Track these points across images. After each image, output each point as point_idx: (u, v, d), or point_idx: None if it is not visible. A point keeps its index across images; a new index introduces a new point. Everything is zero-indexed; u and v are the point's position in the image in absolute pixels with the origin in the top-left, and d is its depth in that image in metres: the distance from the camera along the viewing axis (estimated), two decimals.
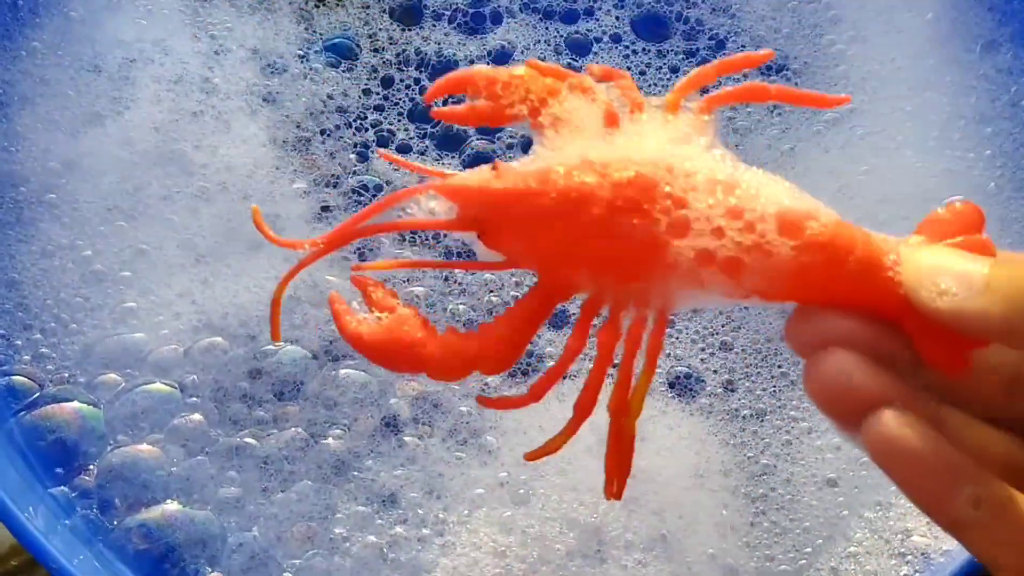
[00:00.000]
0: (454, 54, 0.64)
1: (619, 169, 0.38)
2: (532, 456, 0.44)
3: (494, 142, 0.62)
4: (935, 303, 0.34)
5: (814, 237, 0.36)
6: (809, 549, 0.54)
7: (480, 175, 0.39)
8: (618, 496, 0.42)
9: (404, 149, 0.62)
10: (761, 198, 0.37)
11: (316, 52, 0.64)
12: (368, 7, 0.65)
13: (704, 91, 0.41)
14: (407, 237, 0.60)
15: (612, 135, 0.40)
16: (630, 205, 0.37)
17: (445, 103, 0.43)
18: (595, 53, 0.65)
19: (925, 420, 0.33)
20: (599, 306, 0.41)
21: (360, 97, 0.63)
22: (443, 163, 0.62)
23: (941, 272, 0.34)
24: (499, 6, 0.66)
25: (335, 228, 0.42)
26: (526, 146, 0.62)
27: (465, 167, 0.62)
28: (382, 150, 0.58)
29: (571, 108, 0.40)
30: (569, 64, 0.64)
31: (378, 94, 0.63)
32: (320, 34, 0.64)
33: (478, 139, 0.62)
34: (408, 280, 0.59)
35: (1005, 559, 0.34)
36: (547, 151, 0.40)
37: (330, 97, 0.63)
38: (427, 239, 0.60)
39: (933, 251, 0.35)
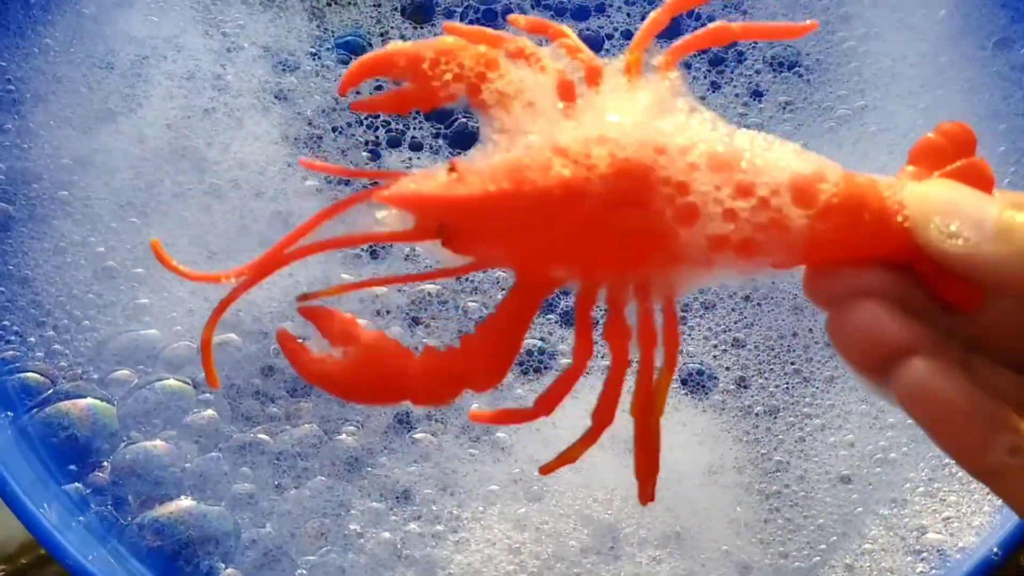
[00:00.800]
0: None
1: (603, 157, 0.34)
2: (547, 469, 0.40)
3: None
4: (944, 245, 0.33)
5: (829, 201, 0.34)
6: (823, 546, 0.54)
7: (437, 180, 0.35)
8: (651, 498, 0.39)
9: (416, 147, 0.62)
10: (770, 167, 0.34)
11: (328, 50, 0.64)
12: (380, 5, 0.65)
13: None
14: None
15: (573, 110, 0.36)
16: (625, 198, 0.34)
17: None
18: (607, 50, 0.65)
19: (957, 367, 0.32)
20: (593, 297, 0.37)
21: (372, 94, 0.63)
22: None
23: (950, 212, 0.33)
24: (511, 3, 0.66)
25: (261, 255, 0.37)
26: None
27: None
28: (304, 159, 0.48)
29: (516, 81, 0.36)
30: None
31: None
32: (332, 31, 0.64)
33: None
34: None
35: None
36: (501, 137, 0.36)
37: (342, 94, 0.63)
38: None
39: (938, 186, 0.34)
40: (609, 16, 0.66)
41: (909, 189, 0.34)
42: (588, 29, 0.65)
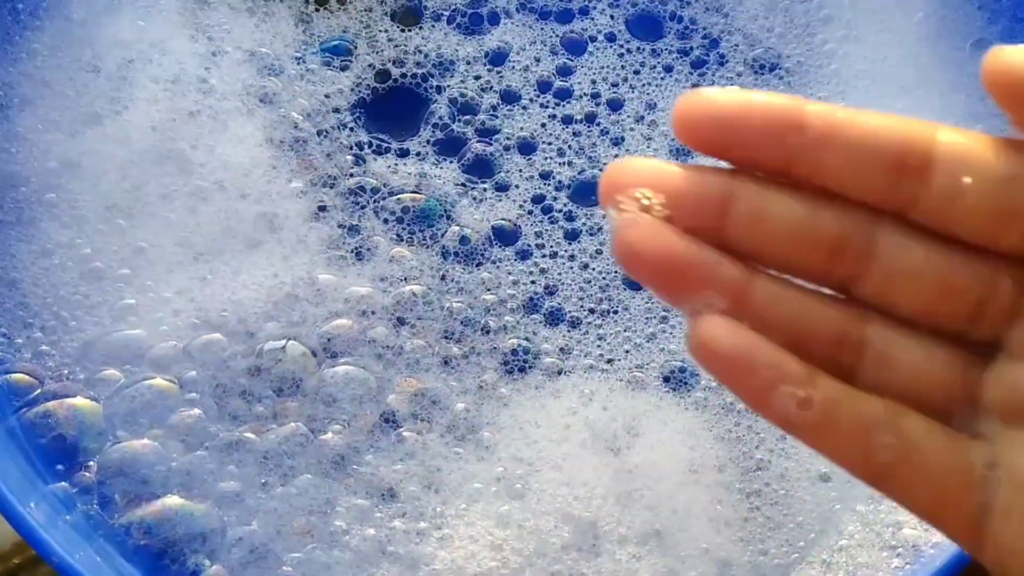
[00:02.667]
0: (454, 53, 0.65)
1: None
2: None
3: (491, 144, 0.63)
4: None
5: None
6: (802, 543, 0.55)
7: None
8: None
9: (403, 153, 0.62)
10: None
11: (313, 53, 0.64)
12: (370, 9, 0.66)
13: None
14: (404, 237, 0.60)
15: None
16: None
17: None
18: (590, 52, 0.65)
19: (740, 322, 0.32)
20: None
21: (357, 97, 0.64)
22: (441, 167, 0.62)
23: None
24: (496, 7, 0.66)
25: None
26: (523, 147, 0.62)
27: (464, 171, 0.62)
28: None
29: None
30: (564, 64, 0.65)
31: (376, 95, 0.64)
32: (318, 35, 0.65)
33: (477, 142, 0.63)
34: (405, 279, 0.59)
35: (842, 460, 0.33)
36: None
37: (327, 96, 0.63)
38: (424, 239, 0.60)
39: None
40: (593, 19, 0.66)
41: None
42: (572, 32, 0.66)
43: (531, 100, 0.64)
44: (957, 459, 0.32)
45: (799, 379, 0.32)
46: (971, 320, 0.33)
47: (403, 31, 0.65)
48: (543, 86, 0.64)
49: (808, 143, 0.32)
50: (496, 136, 0.63)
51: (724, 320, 0.32)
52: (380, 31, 0.65)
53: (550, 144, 0.63)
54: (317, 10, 0.66)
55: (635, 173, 0.33)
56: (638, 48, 0.65)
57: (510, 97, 0.64)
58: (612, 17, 0.66)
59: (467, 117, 0.63)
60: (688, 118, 0.32)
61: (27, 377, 0.57)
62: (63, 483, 0.56)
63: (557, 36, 0.66)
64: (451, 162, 0.62)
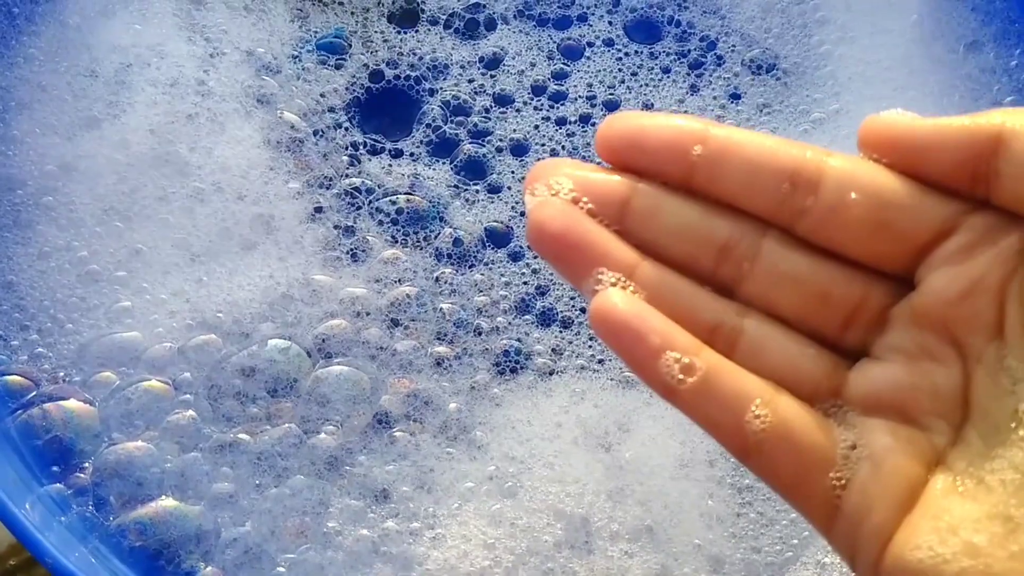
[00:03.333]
0: (448, 57, 0.65)
1: None
2: None
3: (483, 145, 0.63)
4: None
5: None
6: (796, 541, 0.55)
7: None
8: None
9: (396, 154, 0.63)
10: None
11: (309, 52, 0.65)
12: (368, 10, 0.66)
13: None
14: (398, 238, 0.60)
15: None
16: None
17: None
18: (588, 57, 0.65)
19: (633, 290, 0.35)
20: None
21: (351, 97, 0.64)
22: (434, 168, 0.62)
23: None
24: (494, 12, 0.66)
25: None
26: (515, 149, 0.63)
27: (457, 172, 0.62)
28: None
29: None
30: (560, 69, 0.65)
31: (371, 95, 0.64)
32: (315, 31, 0.65)
33: (469, 143, 0.63)
34: (399, 280, 0.60)
35: (715, 430, 0.35)
36: None
37: (323, 96, 0.64)
38: (418, 241, 0.61)
39: None
40: (591, 25, 0.66)
41: None
42: (570, 39, 0.66)
43: (525, 103, 0.64)
44: (822, 438, 0.35)
45: (685, 347, 0.34)
46: (843, 327, 0.36)
47: (399, 32, 0.66)
48: (537, 89, 0.64)
49: (708, 157, 0.35)
50: (488, 138, 0.63)
51: (619, 291, 0.35)
52: (376, 32, 0.66)
53: (543, 145, 0.63)
54: (315, 4, 0.66)
55: (555, 167, 0.37)
56: (636, 51, 0.65)
57: (504, 100, 0.64)
58: (610, 23, 0.66)
59: (460, 119, 0.64)
60: (605, 137, 0.36)
61: (23, 379, 0.57)
62: (58, 485, 0.56)
63: (555, 43, 0.66)
64: (444, 163, 0.63)
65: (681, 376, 0.34)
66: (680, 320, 0.35)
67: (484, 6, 0.66)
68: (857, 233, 0.35)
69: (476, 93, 0.64)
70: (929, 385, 0.34)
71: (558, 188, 0.36)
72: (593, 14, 0.67)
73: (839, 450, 0.35)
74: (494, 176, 0.62)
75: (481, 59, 0.65)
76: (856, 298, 0.36)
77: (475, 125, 0.63)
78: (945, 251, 0.34)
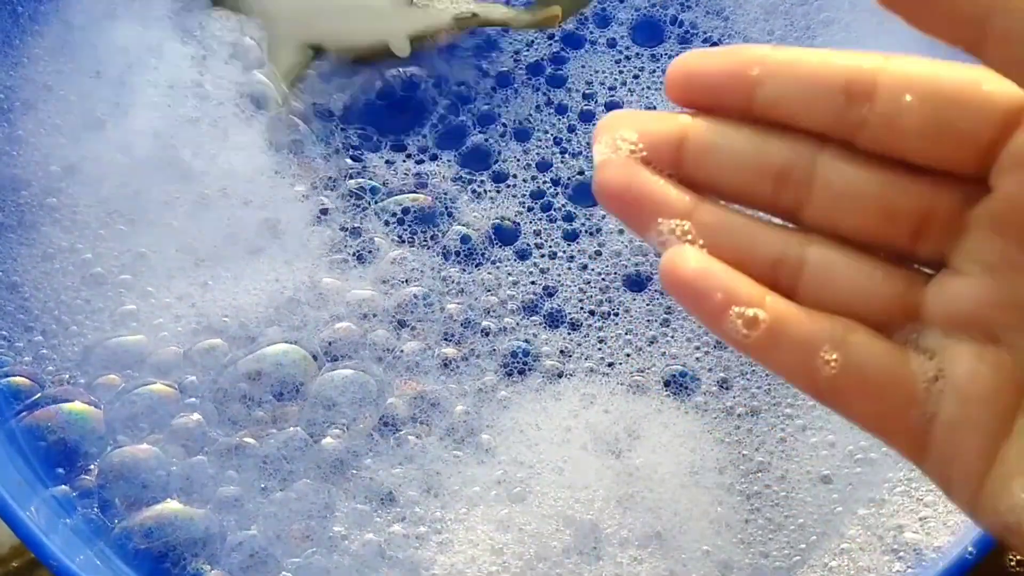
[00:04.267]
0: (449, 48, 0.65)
1: None
2: None
3: (485, 131, 0.63)
4: None
5: None
6: (803, 545, 0.55)
7: None
8: None
9: (399, 148, 0.62)
10: None
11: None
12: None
13: None
14: (405, 239, 0.60)
15: None
16: None
17: None
18: (587, 52, 0.65)
19: (691, 236, 0.35)
20: None
21: (354, 97, 0.64)
22: (439, 161, 0.62)
23: None
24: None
25: None
26: (519, 134, 0.62)
27: (463, 164, 0.62)
28: None
29: None
30: (560, 52, 0.65)
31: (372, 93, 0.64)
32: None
33: (476, 132, 0.63)
34: (407, 281, 0.59)
35: (789, 376, 0.35)
36: None
37: (324, 96, 0.63)
38: (425, 240, 0.60)
39: None
40: (591, 28, 0.66)
41: None
42: (572, 34, 0.66)
43: (524, 97, 0.64)
44: (900, 372, 0.34)
45: (748, 298, 0.34)
46: (914, 238, 0.35)
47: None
48: (536, 95, 0.64)
49: (765, 77, 0.34)
50: (491, 125, 0.63)
51: (686, 248, 0.35)
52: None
53: (546, 132, 0.63)
54: None
55: (617, 120, 0.36)
56: (637, 54, 0.65)
57: (504, 81, 0.64)
58: (618, 23, 0.66)
59: (466, 107, 0.64)
60: (673, 76, 0.36)
61: (27, 381, 0.57)
62: (63, 487, 0.56)
63: (555, 44, 0.66)
64: (450, 153, 0.62)
65: (746, 331, 0.34)
66: (741, 260, 0.35)
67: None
68: (917, 138, 0.33)
69: (479, 79, 0.64)
70: (1016, 299, 0.32)
71: (623, 143, 0.36)
72: (590, 20, 0.66)
73: (921, 383, 0.33)
74: (499, 164, 0.62)
75: (479, 47, 0.65)
76: (925, 206, 0.34)
77: (479, 110, 0.63)
78: (1014, 148, 0.32)
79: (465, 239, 0.60)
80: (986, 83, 0.32)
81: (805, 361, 0.34)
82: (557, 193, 0.62)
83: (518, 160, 0.62)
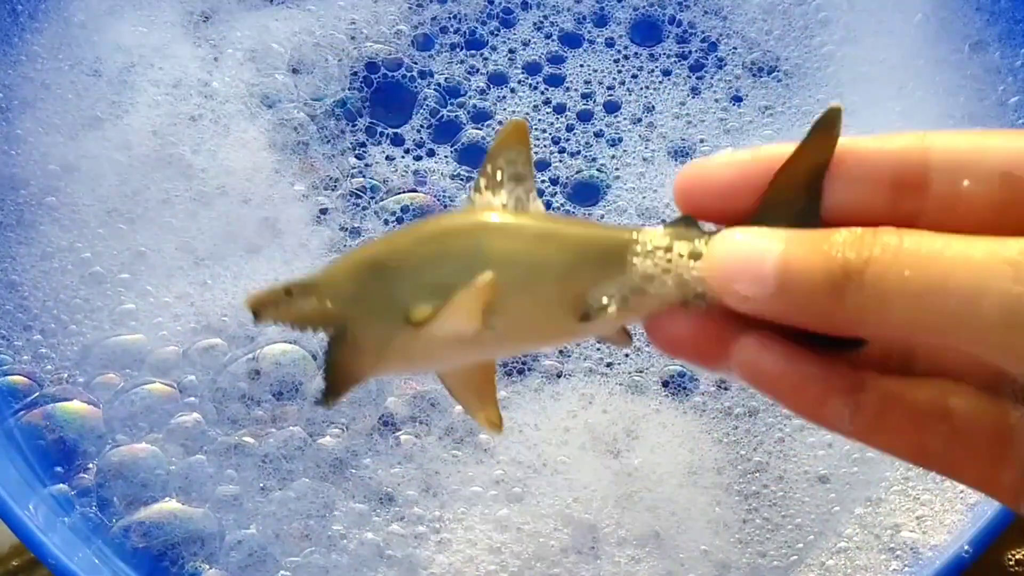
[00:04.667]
0: (448, 43, 0.65)
1: None
2: None
3: (482, 128, 0.63)
4: (740, 309, 0.32)
5: None
6: (801, 545, 0.55)
7: None
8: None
9: (397, 141, 0.62)
10: None
11: (311, 50, 0.65)
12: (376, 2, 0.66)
13: None
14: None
15: None
16: None
17: None
18: (586, 52, 0.65)
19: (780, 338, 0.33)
20: None
21: (356, 95, 0.64)
22: (435, 159, 0.62)
23: (733, 272, 0.32)
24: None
25: None
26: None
27: (460, 161, 0.62)
28: None
29: None
30: (557, 53, 0.65)
31: (372, 92, 0.64)
32: (311, 27, 0.65)
33: (472, 127, 0.63)
34: None
35: (897, 452, 0.33)
36: None
37: (326, 93, 0.63)
38: None
39: (719, 244, 0.33)
40: (590, 26, 0.66)
41: (705, 252, 0.34)
42: (573, 32, 0.66)
43: (522, 96, 0.64)
44: (1000, 428, 0.33)
45: (848, 387, 0.32)
46: None
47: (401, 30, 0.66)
48: (535, 94, 0.64)
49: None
50: (488, 121, 0.63)
51: (765, 339, 0.33)
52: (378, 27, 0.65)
53: (544, 132, 0.63)
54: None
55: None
56: (635, 53, 0.65)
57: (498, 80, 0.64)
58: (618, 24, 0.66)
59: (458, 100, 0.63)
60: (684, 191, 0.35)
61: (26, 379, 0.57)
62: (62, 485, 0.56)
63: (554, 44, 0.66)
64: (445, 148, 0.62)
65: (851, 417, 0.32)
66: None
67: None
68: (979, 216, 0.32)
69: (470, 74, 0.64)
70: None
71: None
72: (589, 21, 0.66)
73: (1020, 439, 0.33)
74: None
75: (487, 75, 0.65)
76: None
77: (474, 106, 0.63)
78: None
79: None
80: None
81: (913, 437, 0.33)
82: (556, 192, 0.62)
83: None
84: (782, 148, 0.34)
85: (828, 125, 0.34)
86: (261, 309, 0.34)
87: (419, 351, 0.34)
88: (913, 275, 0.30)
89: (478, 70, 0.64)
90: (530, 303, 0.34)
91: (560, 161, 0.62)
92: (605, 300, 0.34)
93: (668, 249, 0.34)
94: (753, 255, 0.32)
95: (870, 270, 0.30)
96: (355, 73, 0.64)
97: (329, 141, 0.62)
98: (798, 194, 0.34)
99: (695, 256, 0.33)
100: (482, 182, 0.35)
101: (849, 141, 0.34)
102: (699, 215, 0.35)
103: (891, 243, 0.30)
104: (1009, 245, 0.29)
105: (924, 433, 0.33)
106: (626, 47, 0.65)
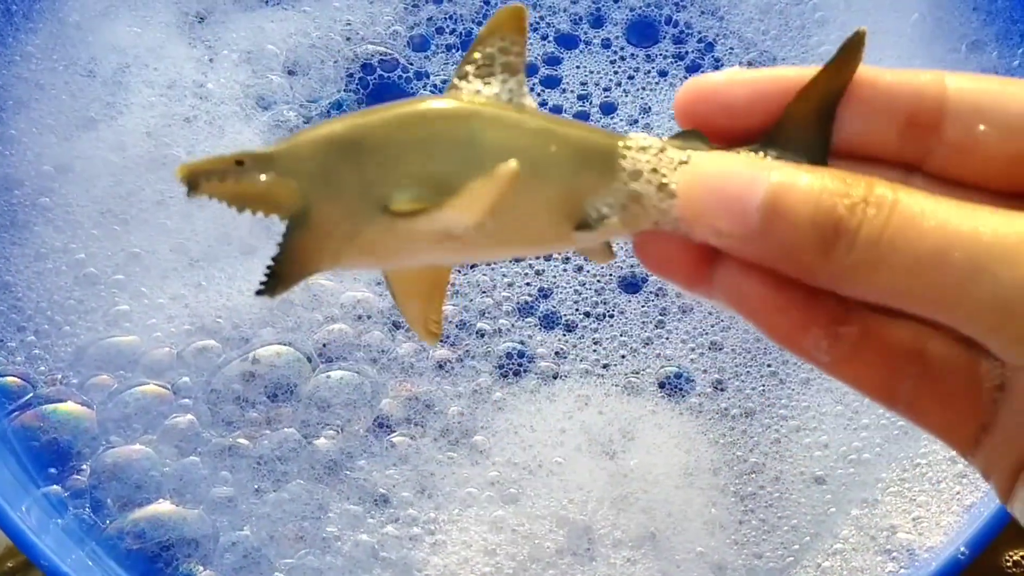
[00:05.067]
0: (445, 44, 0.65)
1: None
2: None
3: None
4: (714, 243, 0.31)
5: None
6: (797, 546, 0.54)
7: None
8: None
9: None
10: None
11: (309, 50, 0.64)
12: (372, 2, 0.66)
13: None
14: None
15: None
16: None
17: None
18: (582, 53, 0.65)
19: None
20: None
21: (352, 97, 0.64)
22: None
23: (713, 205, 0.30)
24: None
25: None
26: None
27: None
28: None
29: None
30: (553, 55, 0.64)
31: (368, 93, 0.64)
32: (309, 28, 0.65)
33: None
34: None
35: (867, 389, 0.33)
36: None
37: (322, 95, 0.63)
38: None
39: (704, 166, 0.31)
40: (587, 27, 0.66)
41: (680, 172, 0.32)
42: (570, 33, 0.66)
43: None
44: (971, 379, 0.32)
45: (830, 318, 0.32)
46: None
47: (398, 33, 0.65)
48: (531, 95, 0.64)
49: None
50: None
51: (747, 265, 0.31)
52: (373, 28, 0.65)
53: None
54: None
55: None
56: (632, 54, 0.65)
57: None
58: (614, 24, 0.66)
59: None
60: (687, 105, 0.33)
61: (19, 381, 0.57)
62: (55, 487, 0.55)
63: (550, 45, 0.65)
64: None
65: (828, 347, 0.32)
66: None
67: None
68: (994, 166, 0.31)
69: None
70: None
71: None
72: (586, 21, 0.66)
73: (985, 392, 0.32)
74: None
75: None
76: None
77: None
78: None
79: None
80: None
81: (886, 375, 0.32)
82: None
83: None
84: (801, 70, 0.33)
85: (852, 49, 0.32)
86: (200, 179, 0.31)
87: (392, 244, 0.31)
88: (909, 243, 0.29)
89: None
90: (527, 205, 0.31)
91: None
92: (606, 209, 0.31)
93: (660, 153, 0.31)
94: (740, 185, 0.30)
95: (864, 231, 0.29)
96: (351, 74, 0.64)
97: None
98: (810, 121, 0.32)
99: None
100: (468, 69, 0.32)
101: (869, 70, 0.32)
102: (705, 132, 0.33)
103: (886, 198, 0.29)
104: (1016, 224, 0.28)
105: (897, 371, 0.32)
106: (622, 48, 0.65)
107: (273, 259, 0.31)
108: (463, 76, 0.32)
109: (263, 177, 0.30)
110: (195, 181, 0.31)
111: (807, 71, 0.33)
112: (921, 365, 0.32)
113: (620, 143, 0.32)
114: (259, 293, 0.31)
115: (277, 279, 0.31)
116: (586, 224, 0.31)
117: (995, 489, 0.34)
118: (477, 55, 0.32)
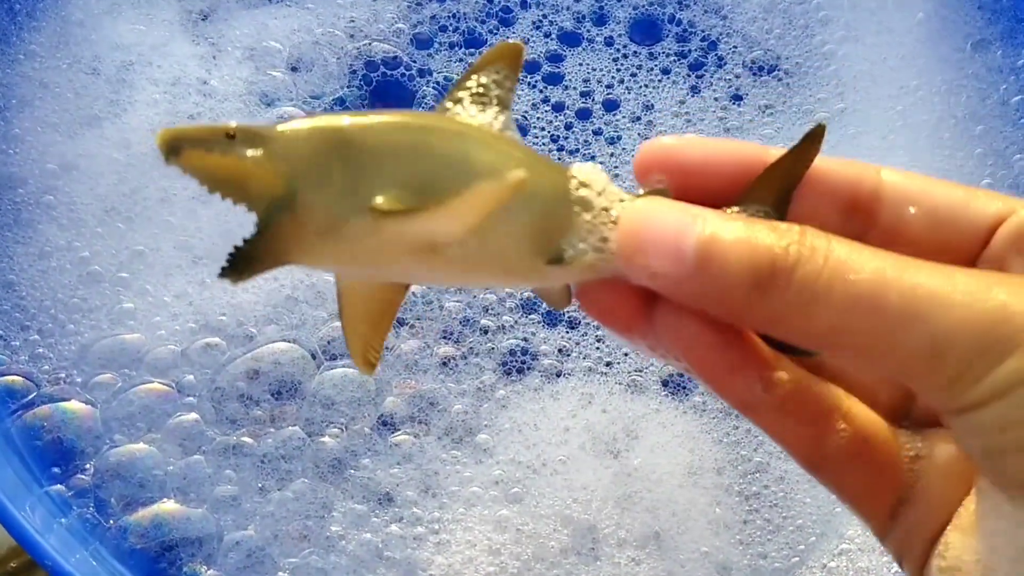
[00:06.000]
0: (448, 42, 0.65)
1: None
2: None
3: None
4: (650, 284, 0.31)
5: None
6: (802, 546, 0.54)
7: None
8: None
9: None
10: None
11: (310, 48, 0.64)
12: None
13: None
14: None
15: None
16: None
17: None
18: (585, 50, 0.65)
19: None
20: None
21: (355, 93, 0.64)
22: None
23: (647, 244, 0.30)
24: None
25: None
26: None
27: None
28: None
29: None
30: (556, 52, 0.64)
31: (371, 90, 0.64)
32: (309, 26, 0.65)
33: None
34: None
35: (793, 443, 0.33)
36: None
37: (325, 92, 0.63)
38: None
39: (635, 210, 0.32)
40: (590, 25, 0.66)
41: (621, 208, 0.32)
42: (575, 30, 0.66)
43: (520, 95, 0.64)
44: (892, 453, 0.33)
45: (764, 362, 0.32)
46: None
47: (403, 30, 0.65)
48: (533, 92, 0.64)
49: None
50: None
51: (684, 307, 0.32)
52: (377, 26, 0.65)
53: (543, 130, 0.63)
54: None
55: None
56: (635, 52, 0.65)
57: None
58: (616, 22, 0.66)
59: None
60: (649, 158, 0.34)
61: (23, 380, 0.57)
62: (59, 486, 0.55)
63: (553, 43, 0.65)
64: None
65: (764, 392, 0.32)
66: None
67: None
68: (923, 254, 0.32)
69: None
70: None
71: None
72: (595, 14, 0.66)
73: (904, 464, 0.33)
74: None
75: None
76: None
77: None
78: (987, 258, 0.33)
79: None
80: (969, 195, 0.34)
81: (816, 429, 0.33)
82: None
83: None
84: (743, 144, 0.35)
85: (813, 139, 0.34)
86: (184, 146, 0.29)
87: (372, 245, 0.30)
88: (845, 284, 0.29)
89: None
90: (507, 231, 0.31)
91: (558, 159, 0.62)
92: (582, 246, 0.31)
93: (606, 206, 0.32)
94: (677, 225, 0.30)
95: (800, 270, 0.29)
96: (354, 71, 0.64)
97: None
98: (769, 202, 0.34)
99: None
100: (462, 95, 0.32)
101: (817, 160, 0.34)
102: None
103: (821, 240, 0.30)
104: (956, 279, 0.29)
105: (827, 428, 0.33)
106: (625, 46, 0.65)
107: (244, 241, 0.30)
108: (456, 101, 0.32)
109: (250, 153, 0.29)
110: (177, 147, 0.29)
111: (748, 147, 0.34)
112: (850, 426, 0.33)
113: (569, 178, 0.32)
114: (222, 276, 0.30)
115: (246, 263, 0.30)
116: (559, 258, 0.31)
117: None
118: (472, 82, 0.33)
